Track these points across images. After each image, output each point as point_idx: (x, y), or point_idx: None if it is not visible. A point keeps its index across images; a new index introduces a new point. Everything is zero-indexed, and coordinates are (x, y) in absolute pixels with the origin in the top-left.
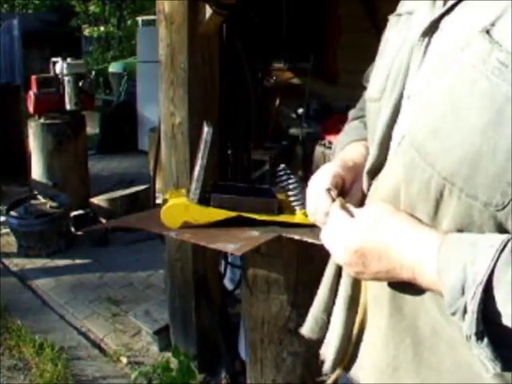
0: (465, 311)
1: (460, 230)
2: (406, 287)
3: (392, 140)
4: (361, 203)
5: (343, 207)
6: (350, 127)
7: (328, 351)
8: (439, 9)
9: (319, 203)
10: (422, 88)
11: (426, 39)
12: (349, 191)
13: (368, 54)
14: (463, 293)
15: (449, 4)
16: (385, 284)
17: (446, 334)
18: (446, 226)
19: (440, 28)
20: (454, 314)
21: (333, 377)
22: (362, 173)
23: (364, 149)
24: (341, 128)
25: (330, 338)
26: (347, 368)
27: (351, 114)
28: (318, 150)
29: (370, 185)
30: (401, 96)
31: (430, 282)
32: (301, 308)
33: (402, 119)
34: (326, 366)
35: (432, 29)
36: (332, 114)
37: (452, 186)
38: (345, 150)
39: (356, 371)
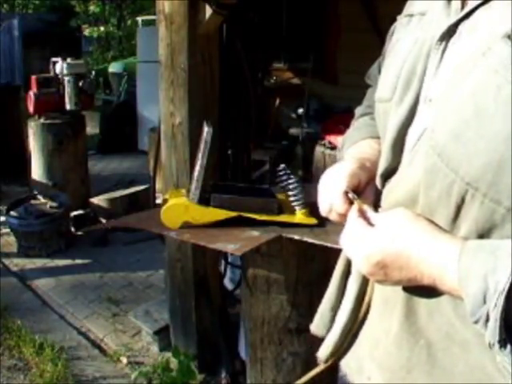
0: (487, 319)
1: (480, 234)
2: (422, 290)
3: (406, 142)
4: (374, 205)
5: (361, 212)
6: (361, 123)
7: (326, 342)
8: (456, 12)
9: (335, 203)
10: (442, 92)
11: (444, 43)
12: (363, 192)
13: (368, 53)
14: (485, 301)
15: (468, 8)
16: (398, 287)
17: (459, 336)
18: (466, 230)
19: (458, 32)
20: (476, 322)
21: (309, 374)
22: (376, 174)
23: (379, 148)
24: (341, 128)
25: (332, 331)
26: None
27: (358, 110)
28: (318, 150)
29: (382, 187)
30: (417, 98)
31: (451, 289)
32: (301, 308)
33: (419, 122)
34: (321, 356)
35: (450, 33)
36: (332, 114)
37: (475, 191)
38: (360, 147)
39: (352, 374)
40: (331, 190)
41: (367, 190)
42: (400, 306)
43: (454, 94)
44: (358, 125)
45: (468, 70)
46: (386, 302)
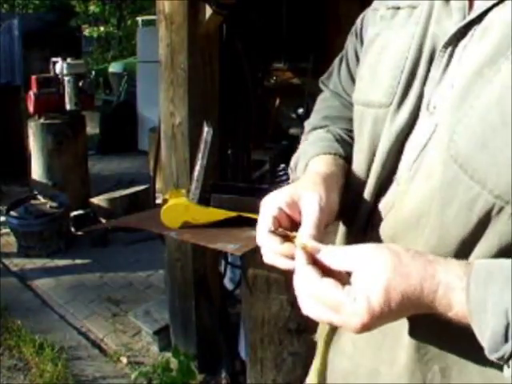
0: (510, 356)
1: (500, 251)
2: (428, 320)
3: (404, 153)
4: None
5: (311, 258)
6: (316, 137)
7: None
8: (459, 11)
9: (266, 245)
10: (457, 99)
11: (451, 47)
12: (317, 209)
13: None
14: (507, 339)
15: (480, 10)
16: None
17: (474, 355)
18: (484, 249)
19: (470, 34)
20: (499, 359)
21: None
22: (334, 185)
23: (342, 162)
24: None
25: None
26: None
27: (310, 123)
28: None
29: (376, 202)
30: (418, 105)
31: (455, 318)
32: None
33: (421, 131)
34: None
35: (457, 35)
36: None
37: (505, 205)
38: (319, 162)
39: None
40: (258, 227)
41: (325, 204)
42: (407, 339)
43: (476, 101)
44: (312, 139)
45: (491, 74)
46: (383, 332)
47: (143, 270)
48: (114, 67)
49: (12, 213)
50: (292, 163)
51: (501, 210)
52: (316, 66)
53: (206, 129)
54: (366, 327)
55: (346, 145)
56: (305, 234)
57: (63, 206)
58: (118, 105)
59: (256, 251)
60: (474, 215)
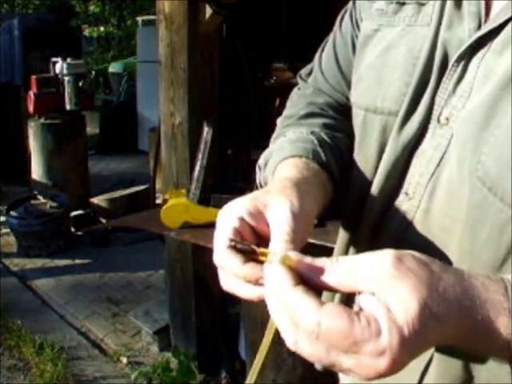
0: None
1: None
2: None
3: (412, 167)
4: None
5: (298, 277)
6: (297, 136)
7: None
8: (473, 16)
9: (224, 266)
10: (481, 118)
11: (467, 56)
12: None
13: None
14: None
15: (503, 18)
16: None
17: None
18: None
19: (488, 45)
20: None
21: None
22: (308, 190)
23: (318, 168)
24: None
25: None
26: None
27: (289, 117)
28: None
29: (382, 212)
30: (428, 117)
31: (500, 348)
32: None
33: (432, 144)
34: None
35: (473, 45)
36: None
37: None
38: (289, 165)
39: None
40: (215, 243)
41: (297, 214)
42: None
43: (503, 120)
44: (292, 137)
45: None
46: None
47: (143, 270)
48: (114, 67)
49: (12, 213)
50: (261, 160)
51: None
52: None
53: (206, 129)
54: (393, 369)
55: (327, 150)
56: (278, 250)
57: (63, 206)
58: (118, 105)
59: None
60: (506, 238)
